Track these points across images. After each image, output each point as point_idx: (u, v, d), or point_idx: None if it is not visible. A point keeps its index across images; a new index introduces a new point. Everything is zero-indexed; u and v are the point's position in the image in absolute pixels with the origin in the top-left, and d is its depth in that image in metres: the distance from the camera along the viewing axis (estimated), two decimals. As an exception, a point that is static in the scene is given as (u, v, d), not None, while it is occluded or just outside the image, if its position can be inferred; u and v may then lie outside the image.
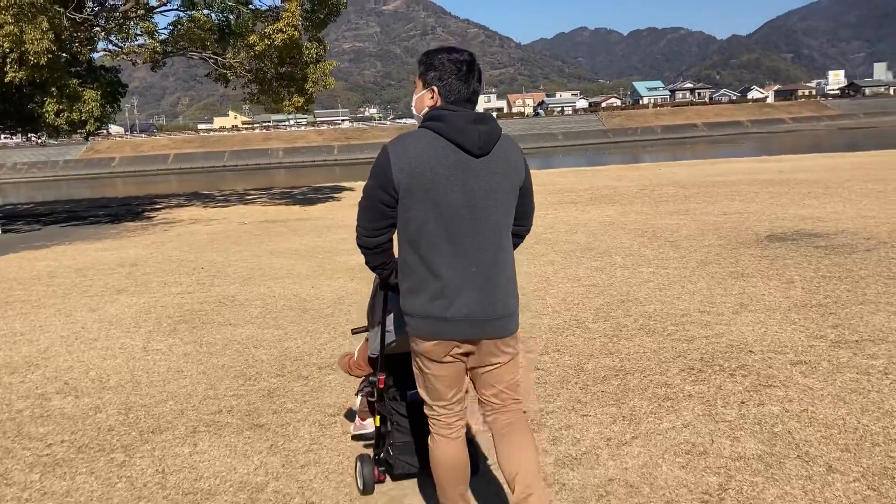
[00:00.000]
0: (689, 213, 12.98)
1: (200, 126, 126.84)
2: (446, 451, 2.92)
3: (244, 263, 10.64)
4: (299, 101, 18.90)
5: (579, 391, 4.65)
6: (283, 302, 7.84)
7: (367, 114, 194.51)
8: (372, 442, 3.74)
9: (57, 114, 15.55)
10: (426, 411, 2.97)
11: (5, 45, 13.51)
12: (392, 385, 3.56)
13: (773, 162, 26.65)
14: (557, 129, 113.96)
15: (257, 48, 17.07)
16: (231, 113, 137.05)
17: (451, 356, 2.79)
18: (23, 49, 13.63)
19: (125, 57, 19.21)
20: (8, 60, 14.08)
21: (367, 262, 2.98)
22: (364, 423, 4.01)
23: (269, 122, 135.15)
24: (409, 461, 3.46)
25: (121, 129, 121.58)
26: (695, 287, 7.27)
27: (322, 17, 17.68)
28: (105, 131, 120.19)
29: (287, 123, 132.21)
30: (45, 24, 13.97)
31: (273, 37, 16.49)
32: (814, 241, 9.37)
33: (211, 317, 7.34)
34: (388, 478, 3.57)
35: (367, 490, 3.52)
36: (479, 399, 2.97)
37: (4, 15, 13.25)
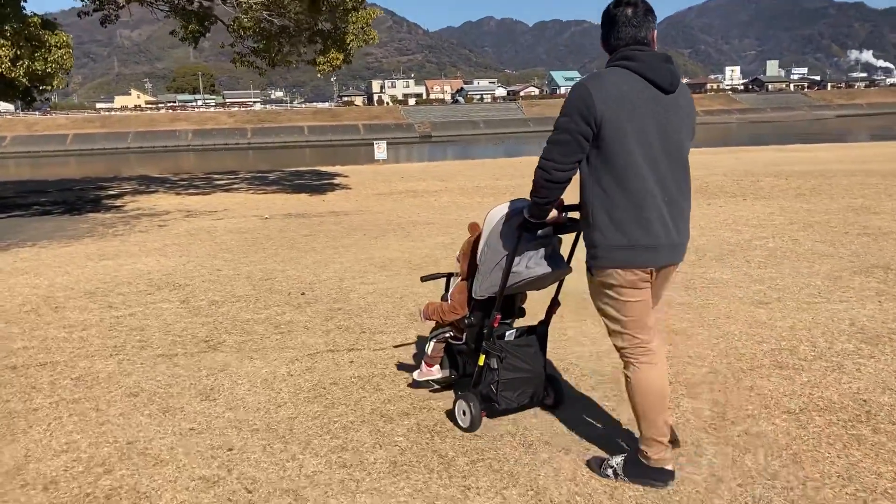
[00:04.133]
0: (877, 211, 10.50)
1: (100, 105, 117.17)
2: (653, 377, 3.03)
3: (350, 283, 7.32)
4: (337, 58, 15.01)
5: None
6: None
7: (273, 96, 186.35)
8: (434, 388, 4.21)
9: (14, 62, 11.21)
10: (623, 344, 3.07)
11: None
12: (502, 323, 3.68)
13: (791, 152, 24.84)
14: (479, 117, 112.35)
15: None
16: (133, 91, 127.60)
17: (646, 283, 2.96)
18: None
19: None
20: None
21: (541, 200, 3.05)
22: (431, 369, 4.12)
23: (175, 101, 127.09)
24: (513, 397, 3.69)
25: (10, 107, 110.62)
26: None
27: None
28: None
29: (195, 104, 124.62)
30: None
31: None
32: None
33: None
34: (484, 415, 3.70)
35: (473, 427, 3.70)
36: None
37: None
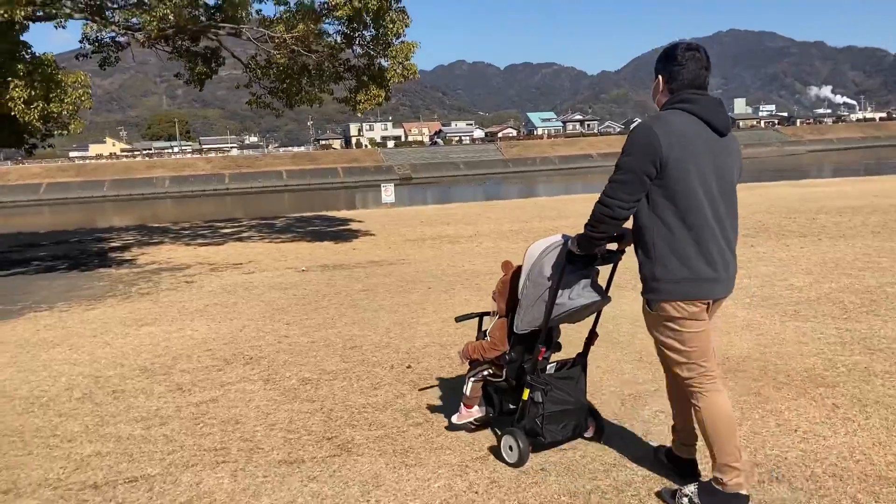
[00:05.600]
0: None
1: (74, 154, 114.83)
2: (721, 402, 3.11)
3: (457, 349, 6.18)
4: (379, 95, 13.87)
5: None
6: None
7: (248, 141, 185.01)
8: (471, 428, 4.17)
9: (28, 103, 9.94)
10: (689, 374, 3.14)
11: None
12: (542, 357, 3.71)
13: (809, 187, 24.22)
14: (458, 159, 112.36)
15: (338, 13, 12.02)
16: (108, 139, 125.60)
17: (705, 313, 3.08)
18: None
19: (116, 29, 13.62)
20: None
21: (598, 235, 3.16)
22: (471, 410, 4.12)
23: (151, 149, 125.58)
24: (558, 430, 3.73)
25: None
26: None
27: None
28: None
29: (171, 151, 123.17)
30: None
31: None
32: None
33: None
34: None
35: (521, 461, 3.70)
36: None
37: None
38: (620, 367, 5.46)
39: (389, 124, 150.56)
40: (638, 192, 3.00)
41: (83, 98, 10.90)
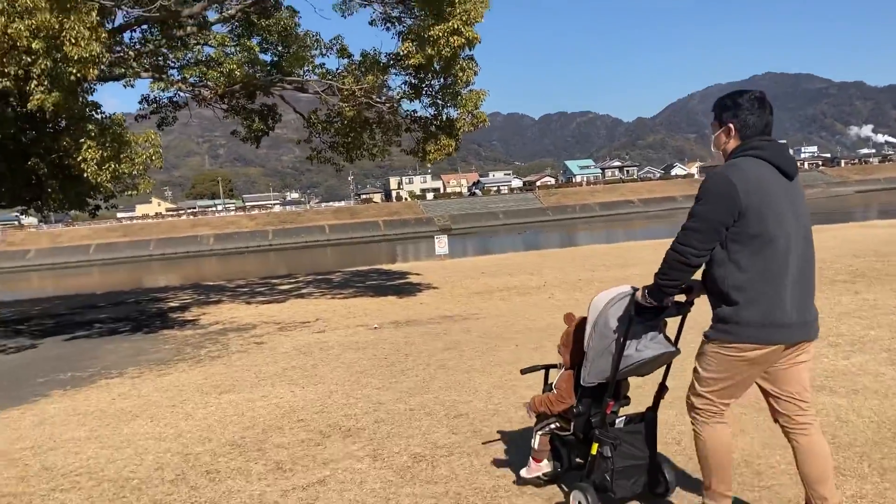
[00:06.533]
0: None
1: (121, 215, 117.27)
2: (724, 434, 3.22)
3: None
4: (450, 145, 13.50)
5: None
6: None
7: (289, 198, 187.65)
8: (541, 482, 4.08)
9: (100, 164, 9.72)
10: (701, 405, 3.22)
11: (35, 45, 7.96)
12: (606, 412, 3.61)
13: (879, 228, 23.21)
14: (497, 209, 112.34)
15: (411, 61, 11.83)
16: (154, 199, 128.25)
17: (766, 361, 3.07)
18: (60, 55, 8.17)
19: (182, 87, 13.55)
20: (34, 74, 8.37)
21: (670, 283, 3.14)
22: (539, 464, 4.04)
23: (196, 208, 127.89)
24: (628, 486, 3.63)
25: (34, 220, 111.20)
26: None
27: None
28: (17, 222, 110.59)
29: (215, 209, 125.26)
30: (95, 18, 8.66)
31: (439, 43, 10.88)
32: None
33: None
34: None
35: None
36: (773, 406, 3.23)
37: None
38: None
39: (428, 176, 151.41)
40: (712, 240, 3.00)
41: (154, 157, 10.69)
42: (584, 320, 3.69)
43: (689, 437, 4.57)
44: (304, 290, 18.15)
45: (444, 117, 13.66)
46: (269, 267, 47.57)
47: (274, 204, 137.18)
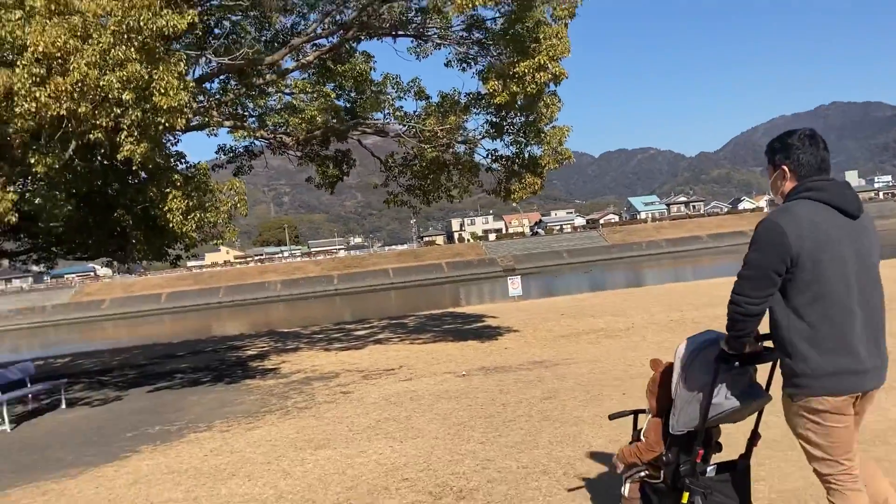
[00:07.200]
0: None
1: (191, 264, 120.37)
2: (860, 502, 2.97)
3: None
4: (536, 183, 13.18)
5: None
6: None
7: (352, 242, 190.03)
8: None
9: (186, 214, 9.79)
10: (828, 470, 3.01)
11: (125, 96, 7.98)
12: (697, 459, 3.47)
13: None
14: (561, 247, 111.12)
15: (498, 98, 11.66)
16: (223, 248, 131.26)
17: (851, 407, 2.93)
18: (149, 105, 8.17)
19: (263, 135, 13.63)
20: (124, 125, 8.39)
21: (737, 334, 3.06)
22: None
23: (263, 255, 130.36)
24: None
25: (108, 271, 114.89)
26: None
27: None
28: (93, 273, 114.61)
29: (281, 255, 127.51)
30: (183, 67, 8.67)
31: (525, 79, 10.60)
32: None
33: None
34: None
35: None
36: None
37: (126, 47, 7.78)
38: (782, 467, 5.04)
39: (490, 217, 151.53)
40: (768, 288, 2.92)
41: (239, 205, 10.63)
42: (670, 366, 3.58)
43: (780, 489, 4.63)
44: (380, 336, 17.86)
45: (527, 155, 13.34)
46: (336, 312, 47.74)
47: (338, 249, 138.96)
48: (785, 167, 3.09)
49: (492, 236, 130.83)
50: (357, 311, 42.29)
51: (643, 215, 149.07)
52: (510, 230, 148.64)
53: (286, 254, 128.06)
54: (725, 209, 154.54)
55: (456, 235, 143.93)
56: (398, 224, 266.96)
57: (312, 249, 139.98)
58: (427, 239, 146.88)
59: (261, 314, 59.03)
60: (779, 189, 3.14)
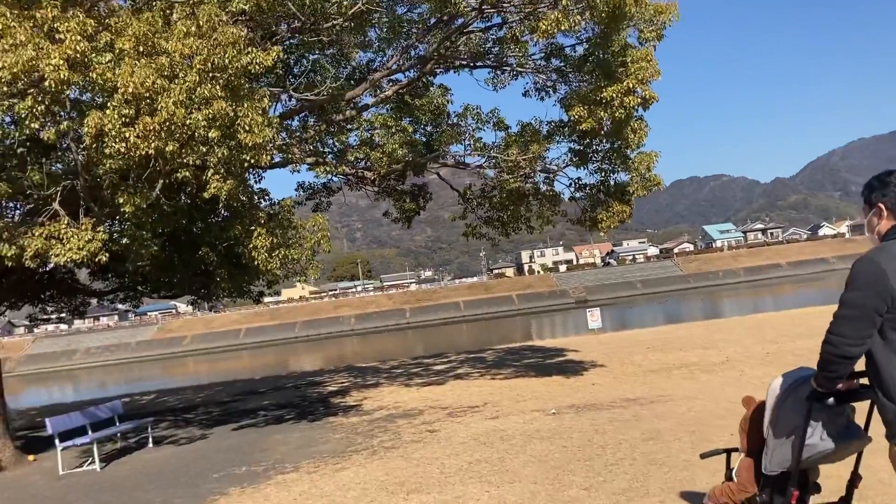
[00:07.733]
0: None
1: (268, 300, 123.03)
2: None
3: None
4: (624, 211, 12.76)
5: None
6: None
7: (423, 276, 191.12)
8: None
9: (270, 251, 9.82)
10: None
11: (211, 134, 8.02)
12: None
13: None
14: (634, 278, 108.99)
15: (583, 125, 11.43)
16: (298, 284, 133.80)
17: None
18: (234, 142, 8.19)
19: (345, 171, 13.69)
20: (210, 163, 8.45)
21: (829, 374, 2.97)
22: None
23: (337, 290, 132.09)
24: None
25: (189, 308, 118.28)
26: None
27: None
28: (174, 310, 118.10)
29: (355, 290, 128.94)
30: (267, 103, 8.69)
31: (612, 104, 10.42)
32: None
33: None
34: None
35: None
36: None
37: (211, 85, 7.85)
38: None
39: (560, 248, 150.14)
40: (868, 328, 2.82)
41: (322, 241, 10.57)
42: (763, 404, 3.48)
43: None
44: (459, 371, 17.52)
45: (613, 182, 12.92)
46: (409, 345, 47.72)
47: (410, 282, 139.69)
48: (882, 205, 3.00)
49: (562, 267, 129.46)
50: (430, 344, 42.11)
51: (719, 244, 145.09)
52: (581, 261, 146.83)
53: (359, 288, 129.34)
54: (805, 236, 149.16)
55: (526, 267, 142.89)
56: (468, 257, 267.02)
57: (385, 284, 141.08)
58: (497, 271, 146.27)
59: (335, 348, 59.56)
60: (874, 227, 3.04)
